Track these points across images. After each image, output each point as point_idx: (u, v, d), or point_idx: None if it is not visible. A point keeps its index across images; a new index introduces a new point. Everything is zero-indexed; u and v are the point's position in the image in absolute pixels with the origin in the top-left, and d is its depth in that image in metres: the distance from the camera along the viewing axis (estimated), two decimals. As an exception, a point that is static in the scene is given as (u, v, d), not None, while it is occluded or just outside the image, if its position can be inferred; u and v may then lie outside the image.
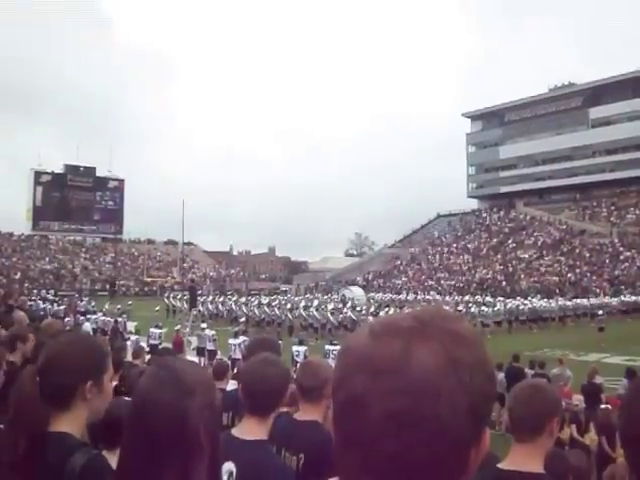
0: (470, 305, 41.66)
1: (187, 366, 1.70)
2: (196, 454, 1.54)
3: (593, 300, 46.32)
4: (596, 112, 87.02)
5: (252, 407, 2.82)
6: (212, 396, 1.66)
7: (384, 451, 0.79)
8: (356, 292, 57.99)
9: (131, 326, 30.96)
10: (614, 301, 47.65)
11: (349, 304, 40.61)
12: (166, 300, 48.60)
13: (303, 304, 39.06)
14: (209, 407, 1.61)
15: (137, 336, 22.47)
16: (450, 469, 0.82)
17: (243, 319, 35.23)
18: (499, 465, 2.58)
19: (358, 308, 38.07)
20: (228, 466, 2.61)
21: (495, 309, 39.75)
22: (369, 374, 0.81)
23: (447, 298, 56.71)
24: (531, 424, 2.57)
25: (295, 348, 19.82)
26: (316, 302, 40.78)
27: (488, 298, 50.47)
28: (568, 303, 44.27)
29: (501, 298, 48.47)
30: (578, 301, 45.35)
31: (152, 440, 1.52)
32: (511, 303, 42.66)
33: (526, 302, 43.74)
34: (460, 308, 39.95)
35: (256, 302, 41.67)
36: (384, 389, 0.80)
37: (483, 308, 39.28)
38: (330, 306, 38.15)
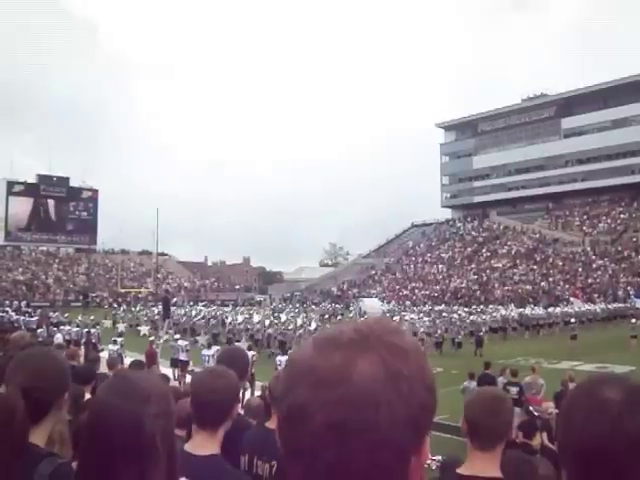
0: (467, 314, 42.94)
1: (142, 376, 1.73)
2: (152, 461, 1.54)
3: (576, 308, 47.46)
4: (568, 122, 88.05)
5: (201, 420, 2.72)
6: (168, 405, 1.68)
7: (326, 461, 0.81)
8: (371, 304, 56.47)
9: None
10: (597, 308, 48.92)
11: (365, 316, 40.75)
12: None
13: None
14: (165, 416, 1.63)
15: (117, 346, 22.34)
16: (391, 478, 0.84)
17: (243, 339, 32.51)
18: (458, 470, 2.61)
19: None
20: None
21: (494, 315, 42.01)
22: (311, 385, 0.84)
23: (455, 307, 55.44)
24: (498, 433, 2.60)
25: (279, 358, 19.96)
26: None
27: (490, 307, 51.96)
28: (557, 310, 45.54)
29: (500, 307, 51.18)
30: (565, 309, 46.71)
31: (108, 448, 1.53)
32: (508, 311, 45.03)
33: (514, 310, 46.36)
34: (458, 315, 41.16)
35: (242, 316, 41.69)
36: (325, 400, 0.82)
37: (485, 316, 41.23)
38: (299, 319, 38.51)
